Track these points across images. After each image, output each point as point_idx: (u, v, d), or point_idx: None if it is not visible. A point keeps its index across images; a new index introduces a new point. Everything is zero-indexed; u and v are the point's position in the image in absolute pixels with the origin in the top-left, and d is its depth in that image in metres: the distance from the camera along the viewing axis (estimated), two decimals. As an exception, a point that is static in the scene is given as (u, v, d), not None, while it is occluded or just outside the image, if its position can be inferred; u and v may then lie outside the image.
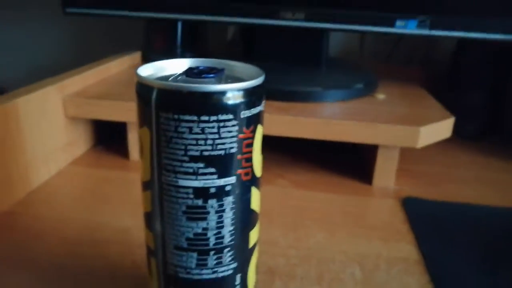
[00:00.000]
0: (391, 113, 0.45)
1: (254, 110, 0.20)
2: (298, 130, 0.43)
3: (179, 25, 0.63)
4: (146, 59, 0.65)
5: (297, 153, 0.53)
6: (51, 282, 0.30)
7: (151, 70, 0.22)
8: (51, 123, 0.43)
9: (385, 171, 0.45)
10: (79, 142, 0.49)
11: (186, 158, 0.20)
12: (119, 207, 0.39)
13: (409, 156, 0.53)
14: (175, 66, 0.23)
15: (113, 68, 0.56)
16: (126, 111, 0.45)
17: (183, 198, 0.20)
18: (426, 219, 0.40)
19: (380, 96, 0.51)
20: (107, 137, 0.54)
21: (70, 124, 0.47)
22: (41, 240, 0.34)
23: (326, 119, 0.42)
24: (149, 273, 0.24)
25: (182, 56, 0.64)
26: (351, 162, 0.51)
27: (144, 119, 0.20)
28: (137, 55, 0.64)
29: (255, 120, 0.21)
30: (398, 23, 0.51)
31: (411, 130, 0.41)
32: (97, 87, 0.49)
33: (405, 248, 0.36)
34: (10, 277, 0.30)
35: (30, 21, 0.81)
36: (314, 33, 0.56)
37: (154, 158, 0.20)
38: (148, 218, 0.23)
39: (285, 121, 0.43)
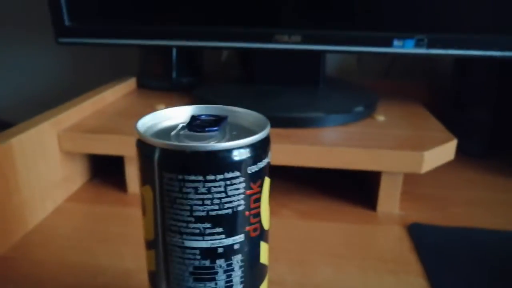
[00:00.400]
0: (392, 137, 0.44)
1: (261, 164, 0.20)
2: (300, 159, 0.42)
3: (174, 50, 0.62)
4: (141, 85, 0.64)
5: (299, 180, 0.52)
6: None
7: (151, 120, 0.21)
8: (46, 160, 0.42)
9: (389, 197, 0.44)
10: (75, 177, 0.48)
11: (192, 219, 0.19)
12: (119, 247, 0.38)
13: (412, 178, 0.52)
14: (176, 115, 0.22)
15: (108, 97, 0.55)
16: (122, 145, 0.44)
17: (190, 259, 0.19)
18: (433, 247, 0.39)
19: (380, 118, 0.50)
20: (104, 170, 0.53)
21: (66, 159, 0.46)
22: (40, 287, 0.33)
23: (328, 147, 0.41)
24: None
25: (178, 81, 0.63)
26: (354, 188, 0.50)
27: (146, 177, 0.19)
28: (132, 82, 0.64)
29: (262, 174, 0.20)
30: (396, 42, 0.50)
31: (415, 155, 0.41)
32: (93, 119, 0.48)
33: (415, 282, 0.35)
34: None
35: (22, 48, 0.80)
36: (311, 54, 0.55)
37: (158, 218, 0.19)
38: (153, 277, 0.21)
39: (287, 150, 0.42)
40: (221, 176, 0.18)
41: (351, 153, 0.41)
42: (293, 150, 0.42)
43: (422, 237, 0.40)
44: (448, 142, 0.43)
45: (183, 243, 0.19)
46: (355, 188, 0.50)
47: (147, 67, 0.64)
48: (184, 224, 0.19)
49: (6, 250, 0.37)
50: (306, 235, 0.40)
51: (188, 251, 0.19)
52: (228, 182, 0.18)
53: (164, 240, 0.20)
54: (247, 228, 0.20)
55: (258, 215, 0.20)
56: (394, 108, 0.55)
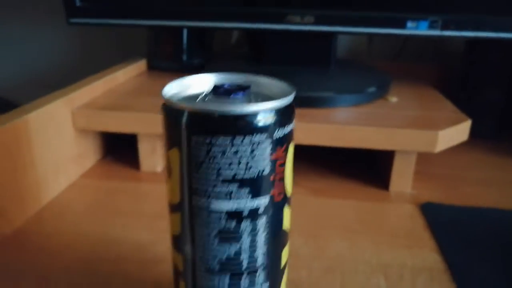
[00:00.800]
0: (406, 117, 0.44)
1: (287, 129, 0.20)
2: (313, 137, 0.42)
3: (185, 31, 0.62)
4: (152, 67, 0.64)
5: (311, 159, 0.52)
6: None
7: (175, 88, 0.21)
8: (61, 136, 0.42)
9: (402, 176, 0.44)
10: (89, 154, 0.48)
11: (218, 182, 0.19)
12: (133, 220, 0.38)
13: (424, 159, 0.52)
14: (199, 83, 0.22)
15: (119, 77, 0.55)
16: (136, 122, 0.44)
17: (215, 221, 0.20)
18: (446, 225, 0.39)
19: (393, 99, 0.50)
20: (117, 148, 0.54)
21: (80, 136, 0.46)
22: (55, 258, 0.33)
23: (341, 126, 0.41)
24: None
25: (188, 62, 0.63)
26: (366, 167, 0.50)
27: (173, 141, 0.19)
28: (142, 63, 0.63)
29: (287, 139, 0.20)
30: (409, 24, 0.50)
31: (429, 134, 0.41)
32: (105, 98, 0.48)
33: (429, 256, 0.35)
34: (30, 301, 0.29)
35: (34, 29, 0.80)
36: (323, 35, 0.55)
37: (184, 181, 0.20)
38: (177, 241, 0.22)
39: (300, 128, 0.42)
40: (248, 139, 0.18)
41: (365, 131, 0.41)
42: (306, 128, 0.42)
43: (435, 216, 0.40)
44: (462, 122, 0.43)
45: (208, 205, 0.19)
46: (368, 168, 0.50)
47: (158, 48, 0.64)
48: (211, 187, 0.19)
49: (22, 223, 0.37)
50: (319, 211, 0.41)
51: (213, 213, 0.20)
52: (255, 146, 0.19)
53: (190, 203, 0.20)
54: (272, 192, 0.20)
55: (282, 179, 0.20)
56: (406, 89, 0.55)
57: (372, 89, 0.49)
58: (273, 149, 0.19)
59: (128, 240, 0.36)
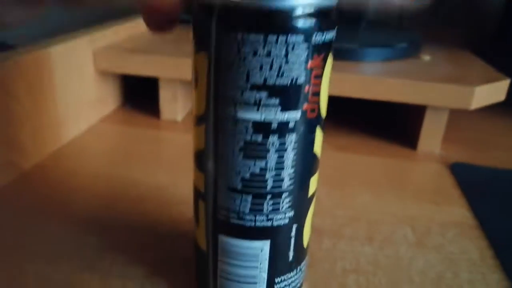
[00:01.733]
0: (440, 74, 0.42)
1: (327, 36, 0.18)
2: (340, 88, 0.40)
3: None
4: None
5: (336, 116, 0.50)
6: (90, 233, 0.28)
7: None
8: (81, 77, 0.41)
9: (432, 135, 0.42)
10: (108, 99, 0.47)
11: (247, 86, 0.17)
12: (153, 165, 0.38)
13: (453, 121, 0.50)
14: None
15: (143, 24, 0.54)
16: (159, 66, 0.42)
17: (241, 133, 0.18)
18: (477, 185, 0.37)
19: (426, 57, 0.48)
20: (137, 96, 0.53)
21: (100, 80, 0.45)
22: (75, 194, 0.32)
23: (370, 77, 0.39)
24: (196, 220, 0.22)
25: None
26: (393, 126, 0.48)
27: (201, 43, 0.18)
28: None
29: (326, 48, 0.18)
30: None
31: (465, 90, 0.38)
32: (128, 42, 0.47)
33: (458, 212, 0.33)
34: (46, 228, 0.29)
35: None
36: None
37: (211, 88, 0.18)
38: (199, 157, 0.20)
39: (328, 78, 0.40)
40: (282, 39, 0.17)
41: (395, 84, 0.39)
42: (333, 78, 0.40)
43: (465, 176, 0.38)
44: (500, 80, 0.41)
45: (235, 114, 0.18)
46: (394, 126, 0.48)
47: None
48: (239, 93, 0.18)
49: (42, 159, 0.37)
50: (343, 165, 0.39)
51: (240, 123, 0.18)
52: (290, 47, 0.17)
53: (216, 112, 0.18)
54: (305, 106, 0.18)
55: (317, 94, 0.19)
56: (440, 50, 0.52)
57: (403, 45, 0.47)
58: (310, 56, 0.18)
59: (147, 182, 0.35)
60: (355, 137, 0.45)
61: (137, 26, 0.52)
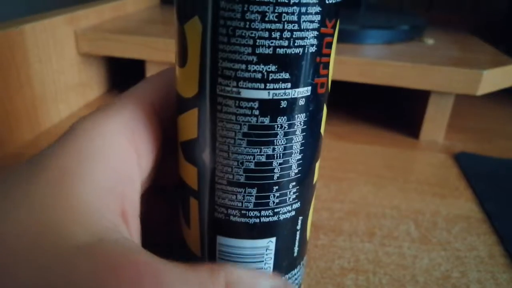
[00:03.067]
0: (444, 58, 0.39)
1: None
2: (340, 72, 0.37)
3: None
4: (165, 1, 0.60)
5: (335, 103, 0.47)
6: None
7: None
8: (61, 58, 0.39)
9: (436, 122, 0.40)
10: (92, 84, 0.45)
11: (253, 58, 0.14)
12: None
13: (456, 110, 0.47)
14: None
15: (129, 6, 0.51)
16: (145, 48, 0.40)
17: (246, 115, 0.15)
18: (484, 176, 0.35)
19: (429, 41, 0.45)
20: (125, 80, 0.50)
21: (83, 62, 0.42)
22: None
23: (371, 60, 0.37)
24: (186, 222, 0.19)
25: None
26: (393, 112, 0.46)
27: (193, 6, 0.15)
28: (155, -4, 0.59)
29: (337, 12, 0.16)
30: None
31: (473, 74, 0.36)
32: (113, 22, 0.44)
33: (465, 205, 0.31)
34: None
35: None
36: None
37: (207, 61, 0.15)
38: (190, 148, 0.17)
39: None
40: (296, 0, 0.14)
41: (397, 67, 0.37)
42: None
43: (470, 166, 0.36)
44: (510, 64, 0.38)
45: (239, 92, 0.15)
46: (395, 114, 0.45)
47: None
48: (244, 66, 0.15)
49: (17, 147, 0.34)
50: (341, 156, 0.37)
51: (244, 103, 0.15)
52: (303, 10, 0.14)
53: (213, 92, 0.15)
54: (316, 80, 0.16)
55: (328, 65, 0.16)
56: (443, 35, 0.50)
57: (405, 27, 0.44)
58: (323, 21, 0.15)
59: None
60: (354, 125, 0.43)
61: (123, 6, 0.49)
